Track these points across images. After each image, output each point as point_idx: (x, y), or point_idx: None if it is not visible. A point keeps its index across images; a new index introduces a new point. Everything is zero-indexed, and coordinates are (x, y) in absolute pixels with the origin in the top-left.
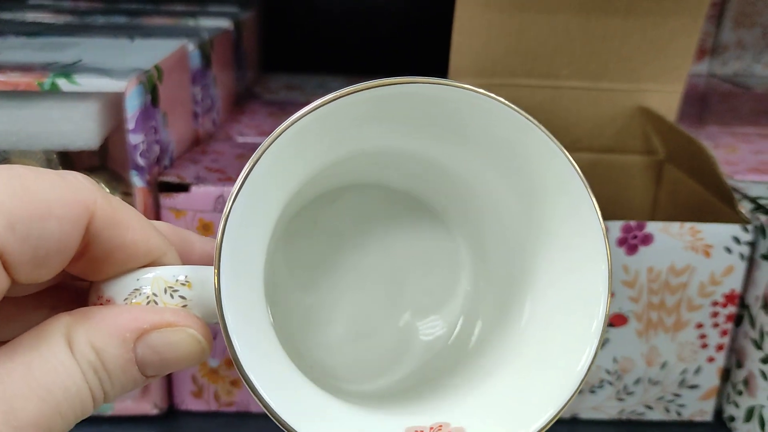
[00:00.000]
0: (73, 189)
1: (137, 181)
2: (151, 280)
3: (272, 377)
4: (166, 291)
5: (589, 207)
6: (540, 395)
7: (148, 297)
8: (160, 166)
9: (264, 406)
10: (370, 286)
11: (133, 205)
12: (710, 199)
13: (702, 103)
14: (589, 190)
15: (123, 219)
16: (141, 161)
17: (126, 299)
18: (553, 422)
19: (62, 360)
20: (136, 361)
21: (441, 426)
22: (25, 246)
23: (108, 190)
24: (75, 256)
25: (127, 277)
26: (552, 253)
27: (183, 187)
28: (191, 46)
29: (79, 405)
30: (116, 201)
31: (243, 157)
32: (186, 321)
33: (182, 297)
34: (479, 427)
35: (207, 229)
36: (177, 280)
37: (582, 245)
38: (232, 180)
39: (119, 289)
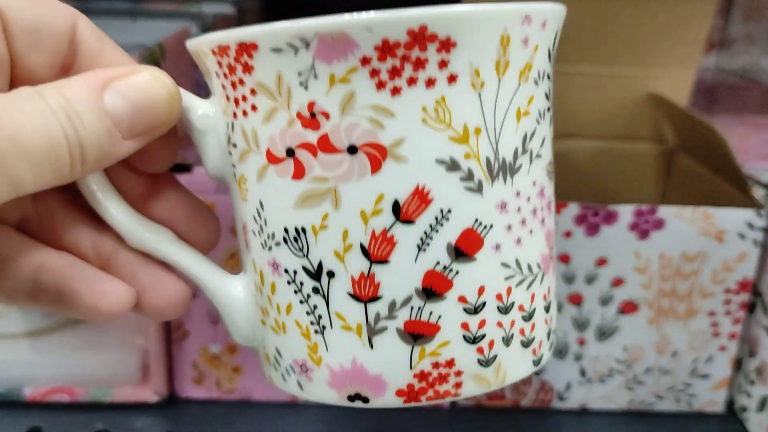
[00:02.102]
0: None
1: None
2: None
3: None
4: None
5: None
6: None
7: None
8: None
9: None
10: None
11: None
12: (722, 186)
13: (711, 96)
14: None
15: (105, 36)
16: None
17: None
18: None
19: (30, 101)
20: (108, 111)
21: None
22: (23, 15)
23: None
24: (63, 68)
25: None
26: None
27: (185, 168)
28: (194, 29)
29: (54, 152)
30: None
31: None
32: (148, 68)
33: None
34: None
35: None
36: None
37: None
38: None
39: None
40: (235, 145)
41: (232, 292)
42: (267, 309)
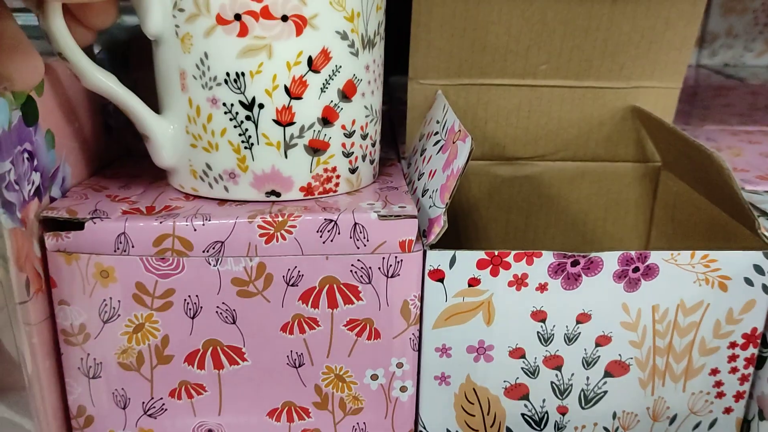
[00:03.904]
0: None
1: (5, 221)
2: None
3: None
4: None
5: None
6: None
7: None
8: (43, 199)
9: None
10: None
11: (4, 250)
12: (719, 214)
13: (693, 98)
14: None
15: None
16: (9, 196)
17: None
18: None
19: None
20: None
21: None
22: None
23: None
24: None
25: None
26: None
27: (75, 224)
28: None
29: None
30: None
31: (165, 178)
32: None
33: None
34: None
35: (106, 276)
36: None
37: None
38: (139, 212)
39: None
40: (182, 10)
41: (161, 123)
42: (200, 135)
